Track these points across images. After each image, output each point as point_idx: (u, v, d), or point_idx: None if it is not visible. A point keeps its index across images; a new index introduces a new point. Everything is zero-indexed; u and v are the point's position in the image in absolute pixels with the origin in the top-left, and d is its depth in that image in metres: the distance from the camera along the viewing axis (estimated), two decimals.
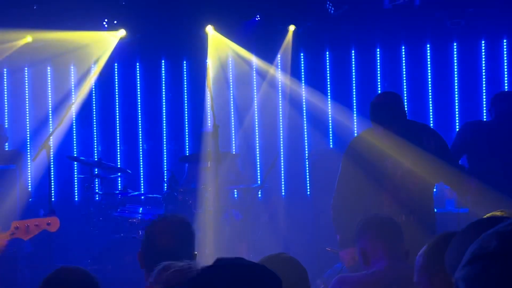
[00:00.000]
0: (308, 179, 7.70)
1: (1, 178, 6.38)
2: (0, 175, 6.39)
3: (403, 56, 7.68)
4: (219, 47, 7.68)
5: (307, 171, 7.70)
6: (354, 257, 3.81)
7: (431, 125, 7.56)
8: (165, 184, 7.15)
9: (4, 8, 6.89)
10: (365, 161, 4.08)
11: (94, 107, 8.26)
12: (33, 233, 3.52)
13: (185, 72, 8.17)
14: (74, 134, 8.29)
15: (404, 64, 7.68)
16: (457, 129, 7.27)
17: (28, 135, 8.32)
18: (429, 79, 7.60)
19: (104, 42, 7.68)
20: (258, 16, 7.32)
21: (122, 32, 7.52)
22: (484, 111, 7.33)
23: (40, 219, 3.69)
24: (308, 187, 7.69)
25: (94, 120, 8.28)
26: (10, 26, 7.23)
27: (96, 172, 7.11)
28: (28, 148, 8.25)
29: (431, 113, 7.59)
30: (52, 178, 6.59)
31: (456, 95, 7.54)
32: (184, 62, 8.15)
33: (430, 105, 7.60)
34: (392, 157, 4.00)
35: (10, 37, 7.49)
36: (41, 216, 3.58)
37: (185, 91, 8.16)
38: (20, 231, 3.52)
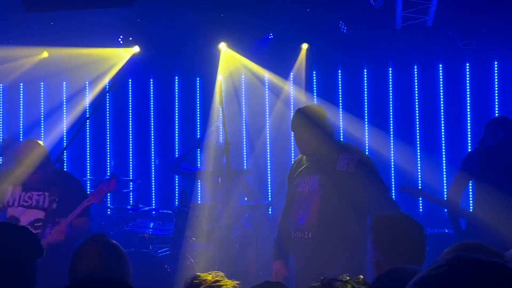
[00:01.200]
0: None
1: None
2: None
3: (415, 75, 7.71)
4: (232, 64, 7.76)
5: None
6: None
7: (443, 145, 7.55)
8: (176, 200, 7.19)
9: (23, 25, 7.02)
10: (292, 178, 4.20)
11: (108, 122, 8.35)
12: (101, 194, 4.38)
13: (198, 89, 8.24)
14: (88, 148, 8.38)
15: (416, 83, 7.70)
16: (468, 152, 7.27)
17: None
18: (441, 99, 7.61)
19: (119, 58, 7.78)
20: (271, 34, 7.38)
21: (136, 49, 7.63)
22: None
23: (102, 184, 4.45)
24: None
25: (108, 135, 8.36)
26: (28, 42, 7.37)
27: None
28: None
29: (443, 133, 7.58)
30: None
31: (469, 115, 7.53)
32: (198, 79, 8.23)
33: (442, 125, 7.59)
34: (303, 176, 4.04)
35: (27, 53, 7.64)
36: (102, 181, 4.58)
37: (198, 107, 8.22)
38: (91, 198, 4.35)
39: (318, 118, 4.03)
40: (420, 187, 6.00)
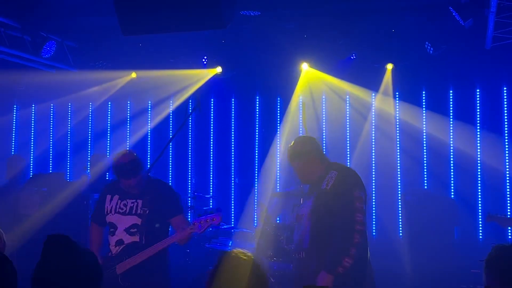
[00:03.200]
0: (400, 219, 7.54)
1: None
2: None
3: (505, 97, 7.44)
4: (314, 84, 7.77)
5: (400, 211, 7.55)
6: None
7: None
8: (256, 218, 7.24)
9: (114, 47, 7.34)
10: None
11: (190, 140, 8.54)
12: (204, 227, 4.38)
13: (278, 109, 8.29)
14: (170, 166, 8.59)
15: (506, 105, 7.42)
16: None
17: None
18: None
19: (202, 78, 7.97)
20: (354, 54, 7.34)
21: (219, 69, 7.79)
22: None
23: (207, 216, 4.44)
24: (401, 228, 7.52)
25: (189, 153, 8.54)
26: (118, 63, 7.71)
27: (190, 204, 7.31)
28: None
29: None
30: None
31: None
32: (278, 98, 8.29)
33: None
34: (304, 200, 4.37)
35: (118, 74, 8.00)
36: (207, 212, 4.50)
37: (278, 126, 8.26)
38: (195, 227, 4.39)
39: (304, 149, 4.29)
40: (509, 216, 5.77)
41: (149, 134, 8.70)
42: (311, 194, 4.26)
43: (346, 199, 4.00)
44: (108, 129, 8.87)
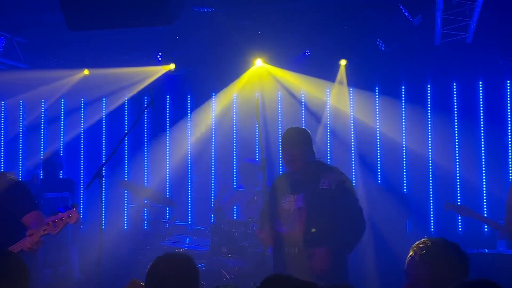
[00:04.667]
0: None
1: (54, 206, 6.56)
2: (54, 202, 6.58)
3: (455, 92, 7.60)
4: (268, 80, 7.79)
5: None
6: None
7: (483, 162, 7.41)
8: (212, 216, 7.23)
9: (64, 44, 7.22)
10: (274, 196, 4.61)
11: (145, 138, 8.46)
12: (60, 226, 3.94)
13: (234, 106, 8.29)
14: (126, 164, 8.50)
15: (455, 100, 7.59)
16: (511, 177, 7.13)
17: (82, 164, 8.59)
18: (481, 116, 7.48)
19: (156, 75, 7.91)
20: (308, 51, 7.40)
21: (172, 66, 7.75)
22: None
23: (62, 213, 4.02)
24: None
25: (145, 151, 8.47)
26: (69, 60, 7.58)
27: (146, 202, 7.26)
28: (82, 176, 8.50)
29: (483, 150, 7.44)
30: (103, 207, 6.75)
31: (509, 133, 7.38)
32: (234, 95, 8.28)
33: (482, 142, 7.46)
34: (287, 195, 4.48)
35: (69, 72, 7.86)
36: (62, 211, 3.99)
37: (234, 123, 8.26)
38: (49, 228, 3.94)
39: (308, 139, 4.55)
40: (465, 205, 5.91)
41: (104, 130, 8.59)
42: (297, 190, 4.41)
43: (354, 198, 4.40)
44: (62, 127, 8.72)
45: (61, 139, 8.66)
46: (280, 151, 7.89)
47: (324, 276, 4.04)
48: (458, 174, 7.48)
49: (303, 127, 7.83)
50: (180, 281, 2.68)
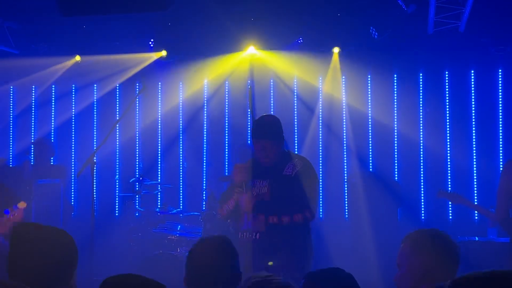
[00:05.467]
0: (346, 202, 7.67)
1: (46, 192, 6.54)
2: (45, 189, 6.56)
3: (447, 81, 7.61)
4: (261, 68, 7.77)
5: (346, 194, 7.68)
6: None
7: (474, 151, 7.45)
8: (204, 203, 7.23)
9: (56, 29, 7.14)
10: None
11: (137, 126, 8.42)
12: (6, 226, 3.90)
13: (226, 93, 8.26)
14: (117, 152, 8.46)
15: (447, 89, 7.61)
16: (501, 165, 7.16)
17: (73, 150, 8.55)
18: (473, 105, 7.50)
19: (148, 61, 7.86)
20: (300, 38, 7.37)
21: (164, 52, 7.70)
22: None
23: (7, 213, 3.99)
24: (346, 211, 7.66)
25: (137, 138, 8.43)
26: (60, 46, 7.51)
27: (137, 189, 7.24)
28: (73, 163, 8.46)
29: (474, 139, 7.48)
30: (95, 194, 6.75)
31: (501, 122, 7.41)
32: (226, 82, 8.24)
33: (474, 131, 7.49)
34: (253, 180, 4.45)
35: (61, 59, 7.79)
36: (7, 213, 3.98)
37: (226, 111, 8.24)
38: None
39: (280, 130, 4.38)
40: (457, 193, 5.95)
41: (95, 116, 8.55)
42: (263, 176, 4.37)
43: (313, 183, 4.35)
44: (52, 113, 8.66)
45: (52, 124, 8.60)
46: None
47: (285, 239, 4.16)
48: (449, 162, 7.52)
49: (295, 113, 7.89)
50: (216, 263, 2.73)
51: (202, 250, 2.83)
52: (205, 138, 8.30)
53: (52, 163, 7.76)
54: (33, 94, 8.67)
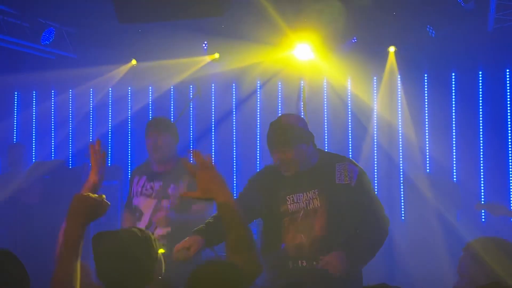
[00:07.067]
0: (402, 204, 7.54)
1: (104, 194, 6.66)
2: (103, 191, 6.67)
3: (507, 79, 7.37)
4: (314, 68, 7.69)
5: (402, 196, 7.55)
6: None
7: None
8: None
9: (112, 32, 7.27)
10: (269, 195, 3.92)
11: (191, 126, 8.47)
12: None
13: (279, 93, 8.23)
14: None
15: (508, 88, 7.36)
16: None
17: (129, 151, 8.69)
18: None
19: (201, 64, 7.91)
20: (355, 38, 7.27)
21: (216, 55, 7.73)
22: None
23: None
24: (403, 212, 7.53)
25: (191, 138, 8.50)
26: (117, 51, 7.64)
27: None
28: (129, 163, 8.61)
29: None
30: None
31: None
32: (279, 83, 8.21)
33: None
34: (291, 193, 3.72)
35: (117, 66, 7.94)
36: None
37: (279, 111, 8.20)
38: None
39: (299, 131, 3.55)
40: (499, 203, 5.73)
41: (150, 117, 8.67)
42: (305, 187, 3.56)
43: (373, 194, 3.69)
44: (110, 115, 8.83)
45: (109, 126, 8.77)
46: (326, 141, 7.88)
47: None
48: (510, 166, 7.26)
49: (349, 115, 7.76)
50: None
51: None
52: (258, 140, 8.21)
53: (109, 164, 7.91)
54: (91, 98, 8.86)
